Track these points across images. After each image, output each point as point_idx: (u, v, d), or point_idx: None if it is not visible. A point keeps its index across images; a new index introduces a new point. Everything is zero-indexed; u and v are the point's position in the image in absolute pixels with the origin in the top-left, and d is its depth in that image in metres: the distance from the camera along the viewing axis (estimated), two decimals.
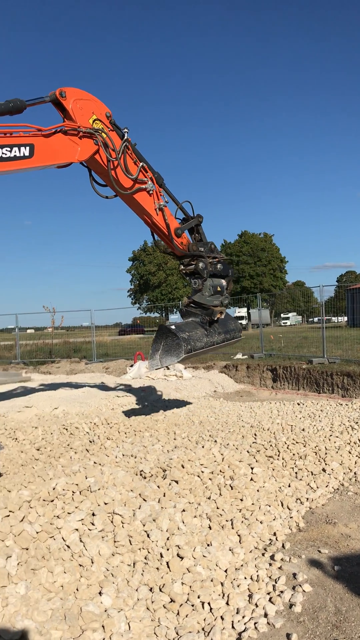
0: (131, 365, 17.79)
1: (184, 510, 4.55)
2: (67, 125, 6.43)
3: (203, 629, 3.42)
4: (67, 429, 8.47)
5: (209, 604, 3.60)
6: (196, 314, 7.93)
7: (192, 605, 3.56)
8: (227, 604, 3.66)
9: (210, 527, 4.51)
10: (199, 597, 3.62)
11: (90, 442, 7.78)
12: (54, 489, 4.37)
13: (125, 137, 7.10)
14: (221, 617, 3.52)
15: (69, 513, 4.05)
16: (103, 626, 3.20)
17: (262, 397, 13.49)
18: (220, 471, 5.45)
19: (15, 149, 5.79)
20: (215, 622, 3.45)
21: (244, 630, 3.41)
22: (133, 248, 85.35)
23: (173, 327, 7.53)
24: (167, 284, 70.70)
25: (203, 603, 3.60)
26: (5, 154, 5.70)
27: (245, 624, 3.49)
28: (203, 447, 6.39)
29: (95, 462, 6.07)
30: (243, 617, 3.55)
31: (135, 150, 7.31)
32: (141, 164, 7.32)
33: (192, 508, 4.66)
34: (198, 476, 5.30)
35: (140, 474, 5.40)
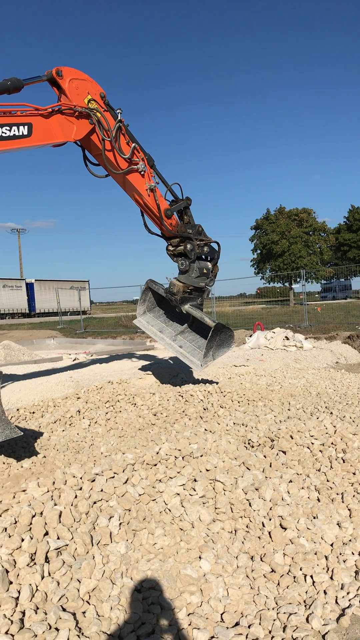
0: (250, 336, 17.69)
1: (290, 481, 4.45)
2: (63, 105, 6.52)
3: (304, 601, 3.33)
4: (182, 396, 8.62)
5: (311, 577, 3.50)
6: (193, 298, 8.30)
7: (294, 577, 3.48)
8: (332, 578, 3.53)
9: (318, 500, 4.37)
10: (301, 570, 3.53)
11: (204, 409, 7.86)
12: (157, 453, 4.46)
13: (119, 118, 7.15)
14: (324, 591, 3.40)
15: (170, 477, 4.12)
16: (201, 590, 3.23)
17: None
18: (332, 443, 5.25)
19: (15, 128, 5.89)
20: (317, 596, 3.35)
21: (348, 607, 3.27)
22: (256, 217, 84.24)
23: (214, 320, 8.15)
24: (291, 253, 68.69)
25: (305, 576, 3.50)
26: (5, 133, 5.79)
27: (350, 600, 3.34)
28: (317, 418, 6.20)
29: (206, 429, 6.12)
30: (348, 593, 3.40)
31: (128, 131, 7.38)
32: (133, 144, 7.39)
33: (300, 479, 4.55)
34: (308, 447, 5.15)
35: (248, 443, 5.36)
